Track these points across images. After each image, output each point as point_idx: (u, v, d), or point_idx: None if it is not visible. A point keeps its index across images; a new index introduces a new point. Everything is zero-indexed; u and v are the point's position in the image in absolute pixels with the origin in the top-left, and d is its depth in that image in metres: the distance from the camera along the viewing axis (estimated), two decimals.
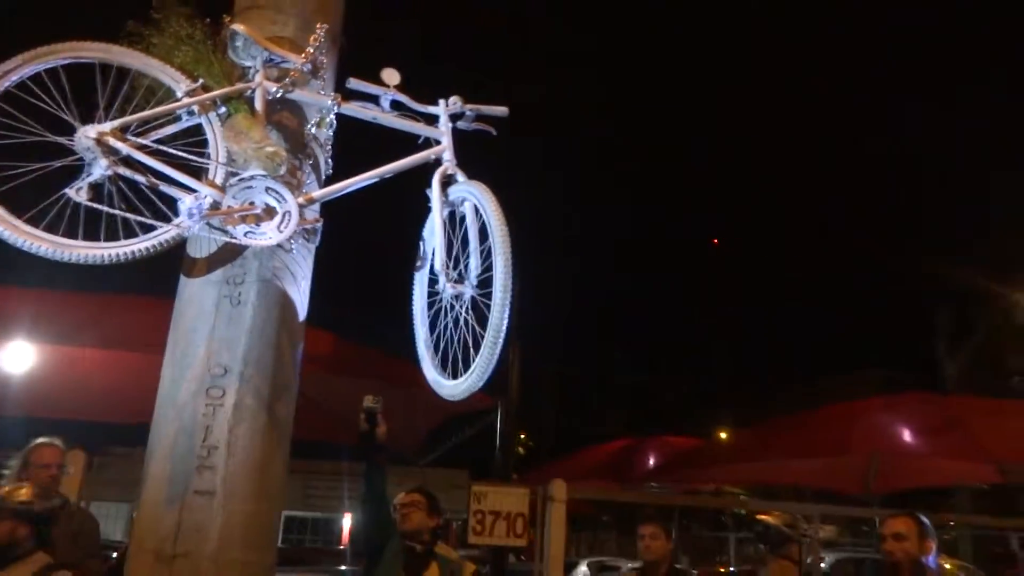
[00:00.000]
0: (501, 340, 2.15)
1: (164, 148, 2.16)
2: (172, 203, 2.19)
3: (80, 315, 5.66)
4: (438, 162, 2.49)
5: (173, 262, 2.37)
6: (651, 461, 11.43)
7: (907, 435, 7.01)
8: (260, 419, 2.20)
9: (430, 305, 2.58)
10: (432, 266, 2.53)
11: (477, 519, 4.76)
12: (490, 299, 2.29)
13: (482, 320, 2.30)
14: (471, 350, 2.30)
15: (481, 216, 2.36)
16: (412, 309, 2.62)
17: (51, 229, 2.02)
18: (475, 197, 2.32)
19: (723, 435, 17.72)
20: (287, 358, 2.31)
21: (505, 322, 2.15)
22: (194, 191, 2.14)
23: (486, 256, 2.33)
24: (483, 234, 2.32)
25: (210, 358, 2.18)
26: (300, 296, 2.39)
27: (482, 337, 2.25)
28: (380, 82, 2.49)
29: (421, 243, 2.59)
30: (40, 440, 3.40)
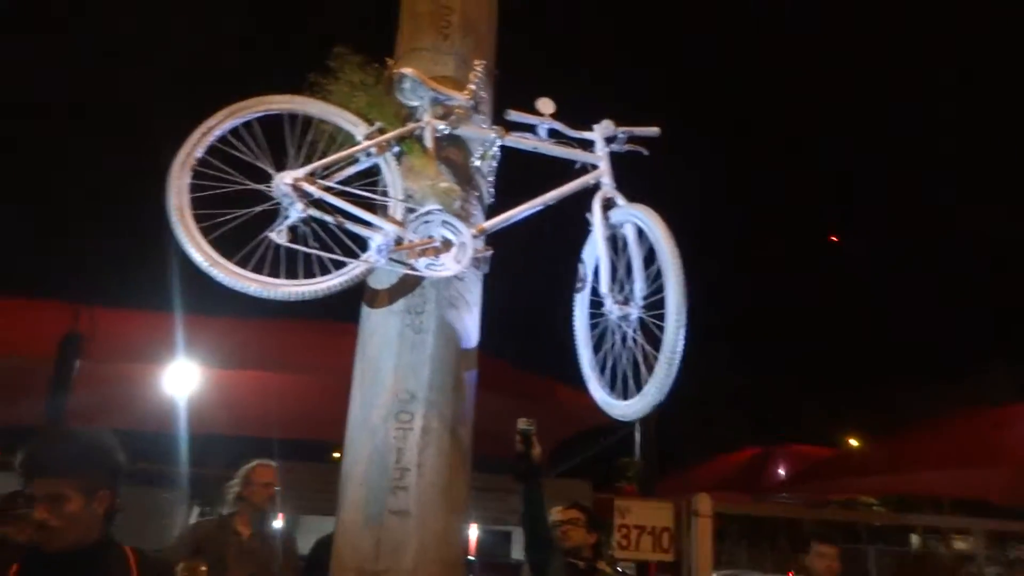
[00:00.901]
0: (677, 360, 2.18)
1: (348, 189, 2.32)
2: (356, 240, 2.35)
3: (244, 339, 6.07)
4: (597, 186, 2.55)
5: None
6: (781, 471, 11.09)
7: None
8: (445, 441, 2.31)
9: (592, 326, 2.64)
10: (594, 288, 2.60)
11: (622, 534, 4.78)
12: (657, 319, 2.33)
13: (651, 340, 2.35)
14: (642, 370, 2.34)
15: (644, 238, 2.40)
16: (574, 331, 2.68)
17: (255, 270, 2.20)
18: (640, 220, 2.36)
19: (853, 442, 16.97)
20: (465, 383, 2.42)
21: (681, 342, 2.17)
22: (379, 228, 2.28)
23: (651, 277, 2.37)
24: (648, 255, 2.36)
25: (397, 384, 2.31)
26: (473, 323, 2.49)
27: (653, 357, 2.29)
28: (535, 111, 2.58)
29: (581, 266, 2.66)
30: (258, 461, 3.69)
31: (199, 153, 2.25)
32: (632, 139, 2.68)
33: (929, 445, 8.75)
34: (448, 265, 2.30)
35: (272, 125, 2.39)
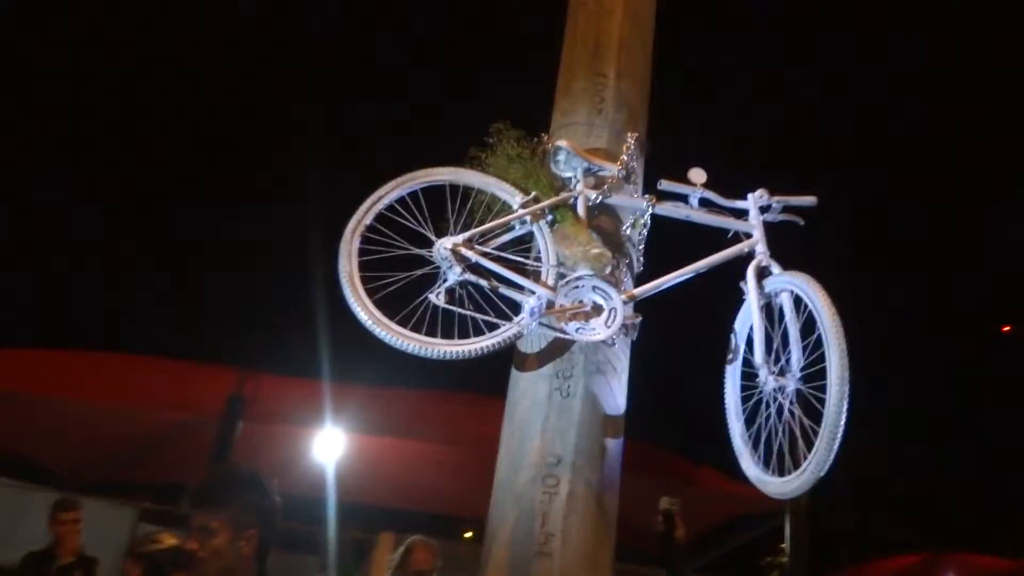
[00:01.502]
0: (840, 435, 2.07)
1: (504, 255, 2.41)
2: (509, 304, 2.43)
3: (389, 408, 6.29)
4: (751, 255, 2.51)
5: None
6: None
7: None
8: (590, 509, 2.28)
9: (743, 399, 2.56)
10: (746, 359, 2.54)
11: None
12: (816, 391, 2.23)
13: (810, 414, 2.24)
14: (799, 445, 2.23)
15: (803, 307, 2.34)
16: (725, 403, 2.61)
17: (414, 330, 2.30)
18: (799, 288, 2.30)
19: None
20: (612, 450, 2.40)
21: (844, 415, 2.07)
22: (531, 292, 2.35)
23: (807, 348, 2.29)
24: (805, 326, 2.29)
25: (544, 447, 2.33)
26: (621, 389, 2.48)
27: (812, 432, 2.19)
28: (687, 181, 2.59)
29: (732, 336, 2.60)
30: (419, 539, 3.70)
31: (369, 220, 2.43)
32: (787, 208, 2.64)
33: None
34: (598, 329, 2.32)
35: (433, 195, 2.55)
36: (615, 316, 2.33)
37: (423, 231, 2.44)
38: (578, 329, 2.32)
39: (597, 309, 2.35)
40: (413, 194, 2.50)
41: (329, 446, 6.56)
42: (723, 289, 2.66)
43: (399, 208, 2.47)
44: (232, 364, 6.04)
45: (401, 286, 2.41)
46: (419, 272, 2.39)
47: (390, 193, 2.48)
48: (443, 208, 2.52)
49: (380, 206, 2.46)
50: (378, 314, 2.29)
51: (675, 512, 2.99)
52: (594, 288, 2.37)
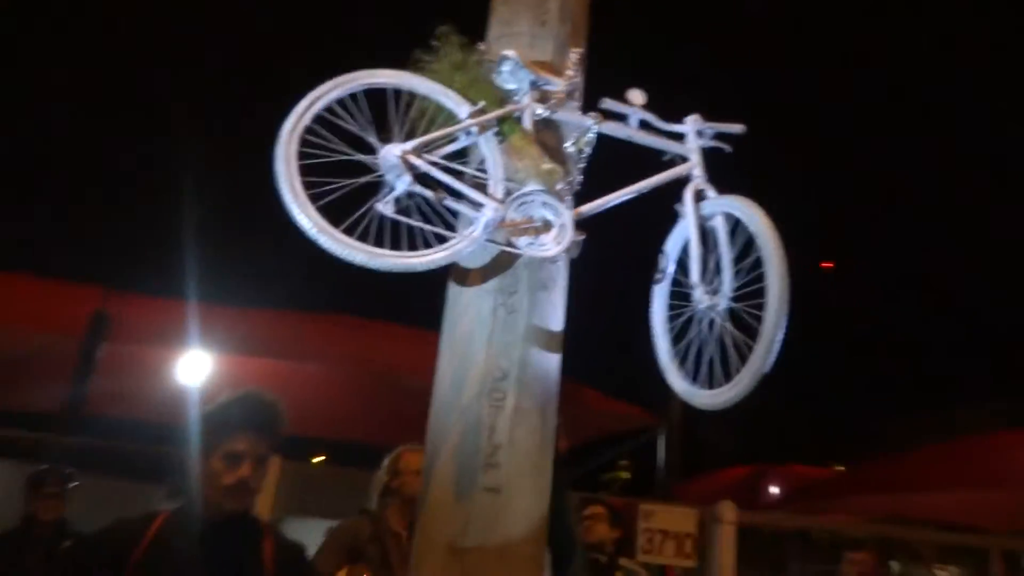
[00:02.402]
0: (776, 348, 2.20)
1: (454, 166, 2.33)
2: (449, 217, 2.37)
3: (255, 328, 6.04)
4: (688, 178, 2.58)
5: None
6: (776, 490, 11.17)
7: None
8: (534, 421, 2.32)
9: (671, 318, 2.65)
10: (675, 279, 2.63)
11: (646, 537, 4.79)
12: (748, 310, 2.35)
13: (742, 330, 2.37)
14: (731, 360, 2.36)
15: (736, 229, 2.44)
16: (652, 322, 2.69)
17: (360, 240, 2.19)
18: (739, 211, 2.39)
19: (840, 468, 17.09)
20: (553, 365, 2.43)
21: (782, 331, 2.19)
22: (482, 205, 2.29)
23: (745, 269, 2.40)
24: (743, 247, 2.39)
25: (490, 362, 2.32)
26: (561, 306, 2.50)
27: (745, 346, 2.31)
28: (625, 101, 2.60)
29: (662, 257, 2.68)
30: (405, 447, 3.30)
31: (307, 122, 2.26)
32: (718, 135, 2.71)
33: (918, 470, 8.87)
34: (549, 246, 2.31)
35: (373, 99, 2.40)
36: (565, 232, 2.33)
37: (367, 137, 2.30)
38: (529, 244, 2.30)
39: (547, 225, 2.34)
40: (353, 97, 2.34)
41: (193, 368, 6.28)
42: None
43: (339, 111, 2.32)
44: (97, 283, 5.55)
45: (340, 195, 2.28)
46: (364, 179, 2.27)
47: (329, 93, 2.31)
48: (383, 114, 2.40)
49: (318, 106, 2.29)
50: (323, 222, 2.16)
51: (557, 425, 3.10)
52: (544, 204, 2.35)
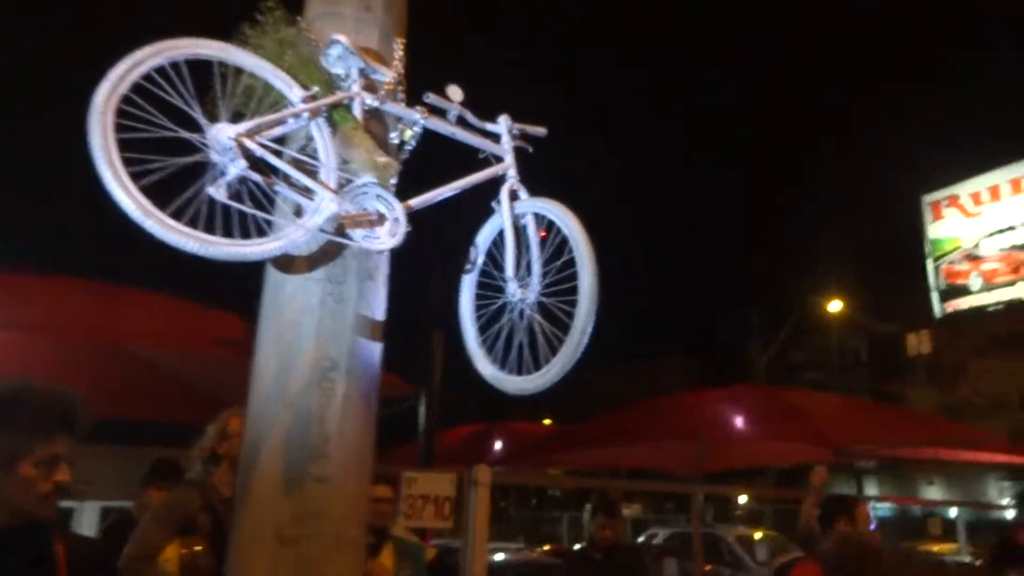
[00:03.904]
0: (586, 340, 2.46)
1: (283, 150, 2.26)
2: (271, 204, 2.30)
3: None
4: (503, 178, 2.75)
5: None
6: (499, 446, 12.02)
7: (746, 421, 8.06)
8: (361, 409, 2.37)
9: (479, 307, 2.83)
10: (483, 271, 2.81)
11: (408, 503, 4.98)
12: (557, 304, 2.60)
13: (551, 322, 2.61)
14: (540, 349, 2.59)
15: (543, 227, 2.67)
16: (460, 310, 2.85)
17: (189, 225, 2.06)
18: (552, 214, 2.61)
19: (547, 422, 18.78)
20: (377, 353, 2.48)
21: (591, 323, 2.46)
22: (312, 193, 2.26)
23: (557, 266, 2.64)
24: (556, 246, 2.63)
25: (319, 352, 2.31)
26: (384, 295, 2.55)
27: (554, 337, 2.56)
28: (444, 96, 2.70)
29: (472, 249, 2.83)
30: (231, 411, 3.14)
31: (124, 90, 2.05)
32: (523, 135, 2.91)
33: (618, 425, 10.12)
34: (383, 239, 2.35)
35: (195, 73, 2.23)
36: (398, 226, 2.38)
37: (193, 113, 2.15)
38: (365, 237, 2.32)
39: (381, 218, 2.37)
40: (176, 67, 2.16)
41: None
42: None
43: (160, 80, 2.13)
44: None
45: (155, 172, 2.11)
46: (192, 159, 2.12)
47: (149, 60, 2.10)
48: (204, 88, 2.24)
49: (137, 73, 2.08)
50: (148, 204, 1.99)
51: None
52: (378, 197, 2.37)
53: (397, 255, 2.61)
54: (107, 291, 5.51)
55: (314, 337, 2.32)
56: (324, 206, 2.25)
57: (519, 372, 2.65)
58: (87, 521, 6.73)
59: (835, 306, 17.23)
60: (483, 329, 2.81)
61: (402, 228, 2.39)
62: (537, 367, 2.58)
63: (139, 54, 2.09)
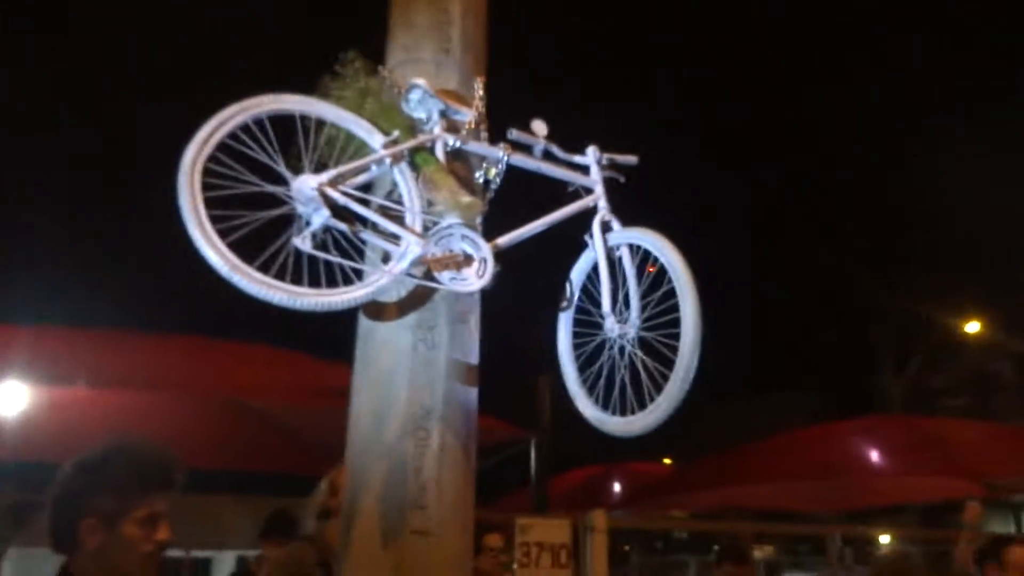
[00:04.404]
0: (692, 376, 2.30)
1: (369, 198, 2.25)
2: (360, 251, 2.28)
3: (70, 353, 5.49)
4: (594, 209, 2.64)
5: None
6: (618, 488, 11.68)
7: (884, 454, 7.47)
8: (459, 458, 2.28)
9: (577, 345, 2.71)
10: (579, 307, 2.69)
11: (523, 551, 4.84)
12: (657, 339, 2.45)
13: (654, 358, 2.46)
14: (645, 387, 2.44)
15: (640, 260, 2.53)
16: (559, 349, 2.73)
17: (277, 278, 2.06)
18: (650, 244, 2.47)
19: (667, 461, 18.18)
20: (473, 399, 2.40)
21: (696, 359, 2.29)
22: (401, 240, 2.23)
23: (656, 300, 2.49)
24: (654, 277, 2.48)
25: (412, 400, 2.25)
26: (477, 339, 2.48)
27: (659, 374, 2.40)
28: (530, 132, 2.63)
29: (568, 285, 2.72)
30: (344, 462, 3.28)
31: (211, 150, 2.09)
32: (613, 165, 2.79)
33: (744, 462, 9.60)
34: (471, 280, 2.28)
35: (277, 127, 2.26)
36: (486, 266, 2.31)
37: (276, 167, 2.17)
38: (452, 279, 2.26)
39: (468, 259, 2.30)
40: (259, 123, 2.19)
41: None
42: None
43: (244, 138, 2.16)
44: None
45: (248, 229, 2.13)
46: (277, 212, 2.13)
47: (233, 119, 2.15)
48: (288, 142, 2.26)
49: (222, 133, 2.12)
50: (235, 259, 2.00)
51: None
52: (463, 237, 2.31)
53: (500, 297, 2.55)
54: (215, 346, 5.72)
55: (406, 385, 2.27)
56: (409, 250, 2.20)
57: (623, 412, 2.50)
58: (224, 569, 6.92)
59: (973, 326, 15.95)
60: (583, 368, 2.68)
61: (490, 268, 2.32)
62: (642, 406, 2.43)
63: (224, 113, 2.14)
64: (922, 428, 7.32)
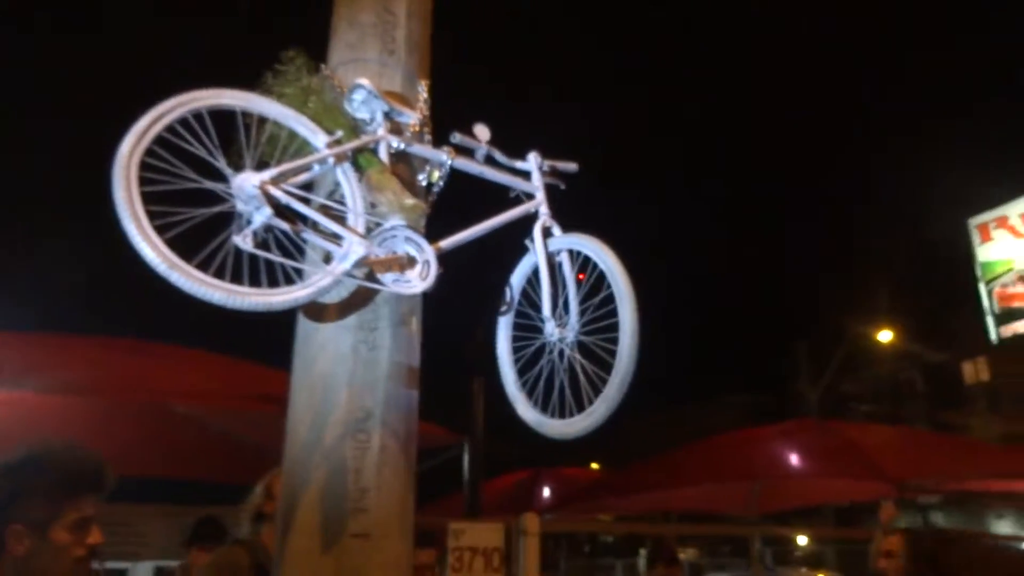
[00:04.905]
0: (629, 379, 2.35)
1: (311, 197, 2.22)
2: (300, 251, 2.25)
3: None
4: (536, 215, 2.67)
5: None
6: (548, 493, 11.76)
7: (802, 458, 7.74)
8: (400, 461, 2.27)
9: (516, 349, 2.73)
10: (518, 311, 2.71)
11: (455, 556, 4.83)
12: (597, 343, 2.49)
13: (593, 361, 2.50)
14: (583, 390, 2.48)
15: (578, 264, 2.58)
16: (498, 353, 2.75)
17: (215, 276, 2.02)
18: (588, 249, 2.51)
19: (595, 465, 18.42)
20: (414, 402, 2.39)
21: (634, 362, 2.34)
22: (344, 240, 2.21)
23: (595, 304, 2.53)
24: (593, 282, 2.53)
25: (352, 402, 2.23)
26: (418, 341, 2.48)
27: (597, 377, 2.44)
28: (472, 136, 2.64)
29: (508, 289, 2.75)
30: (280, 467, 3.20)
31: (148, 143, 2.03)
32: (553, 172, 2.83)
33: (670, 466, 9.81)
34: (414, 282, 2.28)
35: (218, 122, 2.22)
36: (429, 268, 2.31)
37: (216, 163, 2.12)
38: (395, 281, 2.25)
39: (411, 261, 2.30)
40: (199, 117, 2.14)
41: None
42: None
43: (183, 132, 2.11)
44: None
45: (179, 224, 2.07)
46: (217, 209, 2.09)
47: (173, 111, 2.09)
48: (228, 138, 2.22)
49: (160, 126, 2.06)
50: (172, 256, 1.95)
51: None
52: (407, 239, 2.31)
53: (435, 300, 2.55)
54: (148, 350, 5.53)
55: (346, 387, 2.24)
56: (352, 251, 2.19)
57: (562, 415, 2.53)
58: None
59: (885, 335, 16.71)
60: (522, 372, 2.70)
61: (433, 270, 2.32)
62: (581, 409, 2.46)
63: (162, 107, 2.08)
64: (838, 432, 7.62)
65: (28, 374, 4.96)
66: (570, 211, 2.77)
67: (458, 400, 6.02)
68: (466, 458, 5.76)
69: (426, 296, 2.51)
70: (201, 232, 2.11)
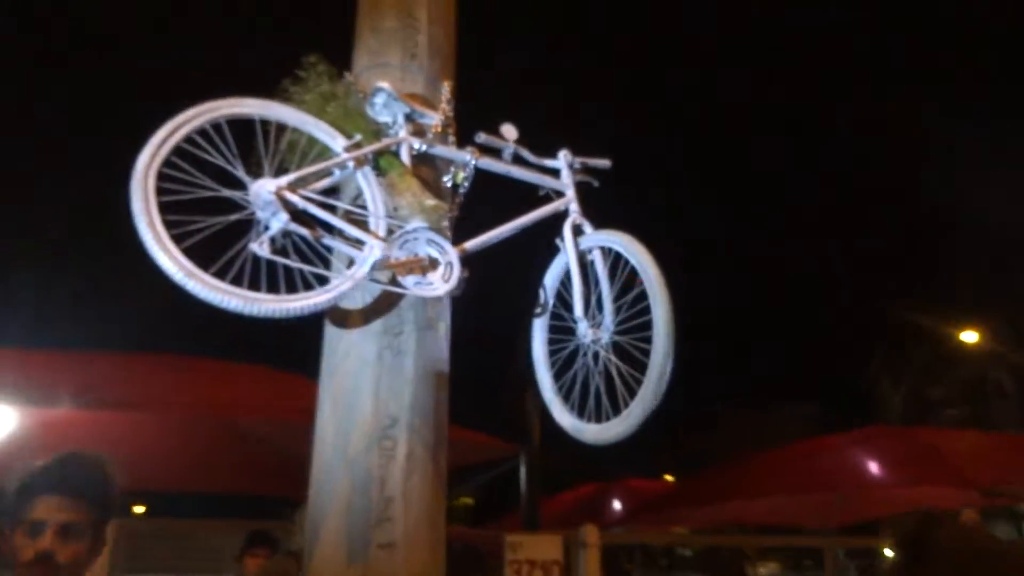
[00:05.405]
0: (666, 380, 2.23)
1: (331, 202, 2.20)
2: (323, 256, 2.22)
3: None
4: (566, 213, 2.59)
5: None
6: (618, 506, 11.54)
7: (882, 466, 7.36)
8: (428, 469, 2.21)
9: (552, 352, 2.64)
10: (555, 313, 2.63)
11: (514, 569, 4.75)
12: (632, 343, 2.38)
13: (628, 363, 2.39)
14: (619, 393, 2.37)
15: (612, 262, 2.48)
16: (534, 356, 2.67)
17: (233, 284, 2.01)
18: (620, 246, 2.42)
19: (669, 478, 18.01)
20: (443, 407, 2.34)
21: (671, 363, 2.23)
22: (364, 244, 2.17)
23: (627, 303, 2.43)
24: (625, 281, 2.43)
25: (378, 409, 2.19)
26: (446, 345, 2.42)
27: (632, 379, 2.33)
28: (499, 135, 2.58)
29: (542, 291, 2.67)
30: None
31: (166, 154, 2.04)
32: (585, 169, 2.75)
33: (745, 476, 9.48)
34: (436, 284, 2.23)
35: (238, 130, 2.22)
36: (452, 270, 2.26)
37: (234, 171, 2.12)
38: (416, 283, 2.20)
39: (433, 263, 2.25)
40: (217, 127, 2.15)
41: None
42: None
43: (202, 142, 2.11)
44: None
45: (206, 234, 2.08)
46: (234, 217, 2.08)
47: (191, 122, 2.10)
48: (249, 147, 2.22)
49: (178, 137, 2.07)
50: (189, 265, 1.95)
51: None
52: (429, 241, 2.26)
53: (475, 305, 2.49)
54: (199, 367, 5.64)
55: (372, 393, 2.20)
56: (372, 255, 2.15)
57: (597, 419, 2.44)
58: None
59: (970, 336, 15.87)
60: (558, 375, 2.62)
61: (457, 272, 2.26)
62: (617, 412, 2.36)
63: (180, 117, 2.09)
64: (919, 438, 7.22)
65: (87, 391, 5.12)
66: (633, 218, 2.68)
67: (514, 411, 5.96)
68: (523, 470, 5.67)
69: (463, 304, 2.46)
70: (223, 240, 2.11)
